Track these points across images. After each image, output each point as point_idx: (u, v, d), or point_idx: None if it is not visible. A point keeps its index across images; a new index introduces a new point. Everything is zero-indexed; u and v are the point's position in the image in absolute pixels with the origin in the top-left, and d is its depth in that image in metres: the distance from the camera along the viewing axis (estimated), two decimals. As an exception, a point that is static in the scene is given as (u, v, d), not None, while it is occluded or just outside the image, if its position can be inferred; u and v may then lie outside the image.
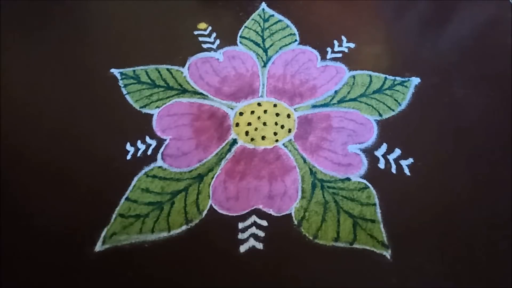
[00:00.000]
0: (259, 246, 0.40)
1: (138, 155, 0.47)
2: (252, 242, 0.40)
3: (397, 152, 0.47)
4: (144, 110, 0.52)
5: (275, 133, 0.49)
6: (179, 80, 0.55)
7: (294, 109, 0.52)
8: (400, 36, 0.62)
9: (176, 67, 0.57)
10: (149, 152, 0.47)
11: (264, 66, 0.57)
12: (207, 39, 0.60)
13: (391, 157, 0.47)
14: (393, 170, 0.46)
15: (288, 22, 0.63)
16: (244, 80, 0.55)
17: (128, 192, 0.44)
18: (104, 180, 0.45)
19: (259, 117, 0.51)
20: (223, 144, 0.48)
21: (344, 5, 0.64)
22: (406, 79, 0.54)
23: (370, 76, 0.55)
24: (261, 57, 0.58)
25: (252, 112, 0.51)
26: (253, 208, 0.43)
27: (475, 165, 0.46)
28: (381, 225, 0.41)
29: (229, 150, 0.48)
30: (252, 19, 0.63)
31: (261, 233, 0.41)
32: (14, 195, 0.44)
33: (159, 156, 0.47)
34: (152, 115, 0.51)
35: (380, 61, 0.57)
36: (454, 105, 0.52)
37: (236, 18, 0.64)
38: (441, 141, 0.48)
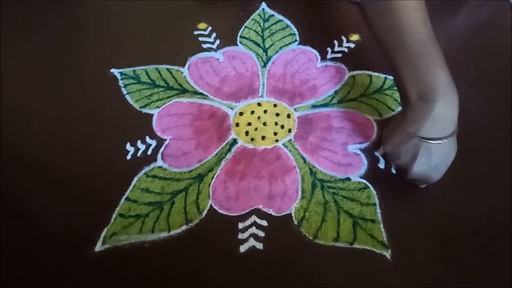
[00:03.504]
0: (259, 246, 0.40)
1: (138, 155, 0.47)
2: (252, 242, 0.40)
3: (397, 152, 0.47)
4: (144, 110, 0.52)
5: (275, 133, 0.49)
6: (179, 80, 0.55)
7: (294, 109, 0.52)
8: (400, 36, 0.62)
9: (176, 67, 0.57)
10: (149, 152, 0.47)
11: (264, 66, 0.57)
12: (207, 39, 0.61)
13: (391, 157, 0.47)
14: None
15: (288, 22, 0.63)
16: (244, 80, 0.55)
17: (128, 192, 0.44)
18: (104, 180, 0.45)
19: (259, 117, 0.51)
20: (223, 144, 0.48)
21: (345, 5, 0.64)
22: (406, 79, 0.54)
23: (370, 76, 0.55)
24: (261, 57, 0.58)
25: (252, 112, 0.51)
26: (253, 208, 0.43)
27: (475, 164, 0.46)
28: (381, 225, 0.41)
29: (229, 150, 0.48)
30: (252, 19, 0.63)
31: (261, 233, 0.41)
32: (14, 195, 0.44)
33: (159, 156, 0.47)
34: (152, 115, 0.51)
35: (380, 61, 0.57)
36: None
37: (236, 18, 0.64)
38: (441, 141, 0.48)
